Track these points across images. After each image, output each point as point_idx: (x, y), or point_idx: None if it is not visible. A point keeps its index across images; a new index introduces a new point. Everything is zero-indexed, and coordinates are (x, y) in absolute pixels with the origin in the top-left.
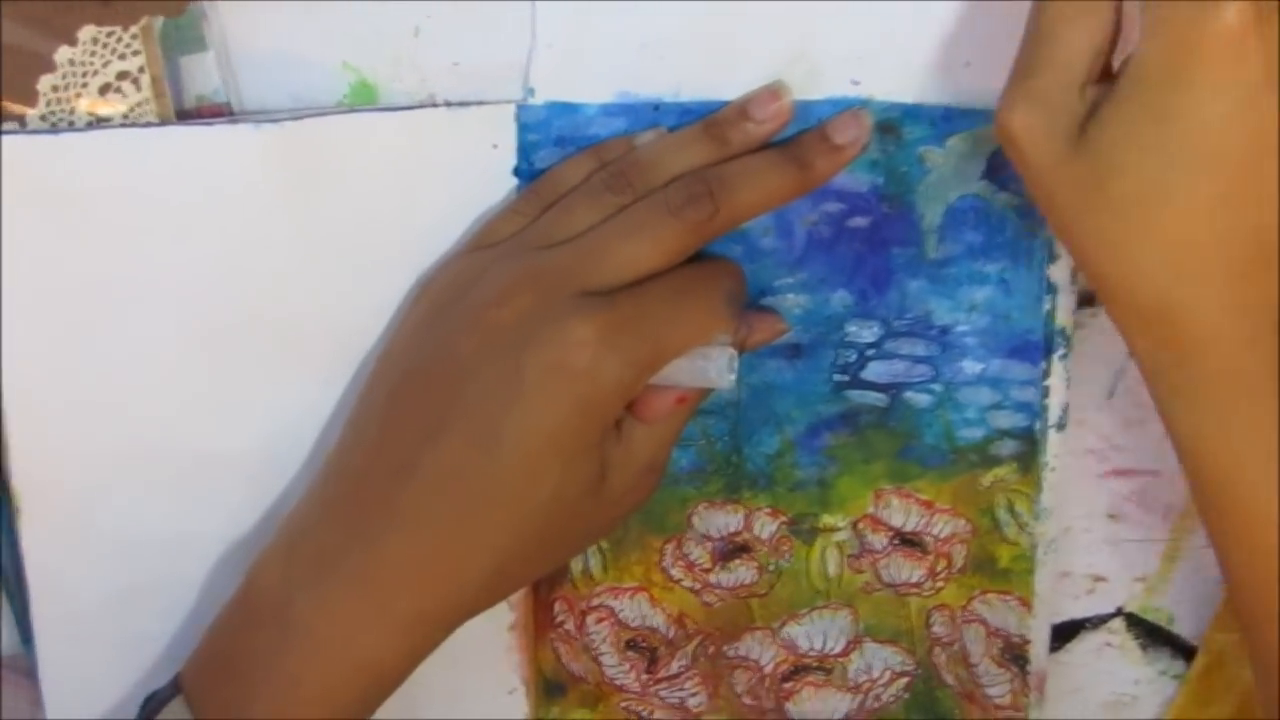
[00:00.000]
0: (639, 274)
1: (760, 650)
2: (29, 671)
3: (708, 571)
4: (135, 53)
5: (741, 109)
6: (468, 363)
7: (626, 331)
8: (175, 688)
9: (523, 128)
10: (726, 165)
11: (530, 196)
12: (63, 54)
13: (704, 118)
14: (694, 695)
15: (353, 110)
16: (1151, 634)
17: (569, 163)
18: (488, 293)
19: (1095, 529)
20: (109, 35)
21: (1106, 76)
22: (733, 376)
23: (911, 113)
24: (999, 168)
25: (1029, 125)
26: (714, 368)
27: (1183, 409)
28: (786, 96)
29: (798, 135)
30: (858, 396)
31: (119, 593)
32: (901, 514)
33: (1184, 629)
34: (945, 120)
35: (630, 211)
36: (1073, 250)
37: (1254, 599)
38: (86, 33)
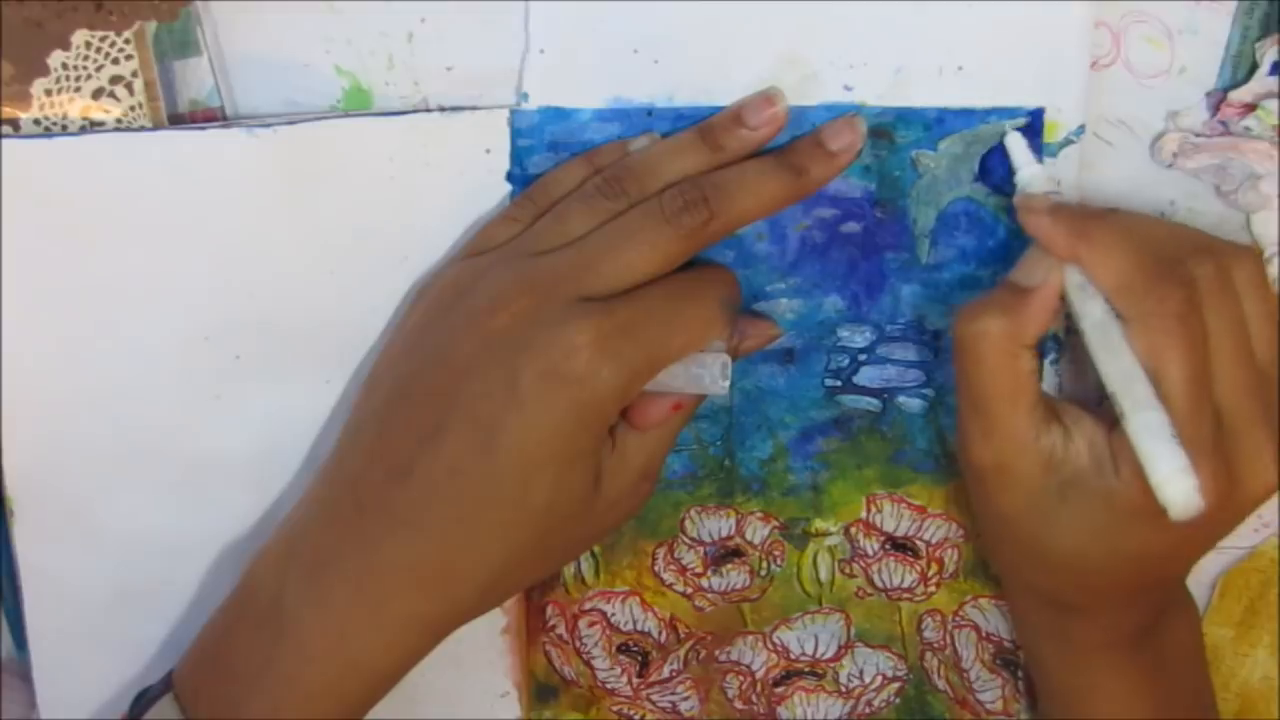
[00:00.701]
0: (634, 280)
1: (752, 655)
2: (25, 675)
3: (700, 576)
4: (129, 57)
5: (736, 115)
6: (464, 367)
7: (622, 338)
8: (167, 685)
9: (516, 132)
10: (722, 172)
11: (525, 202)
12: (56, 58)
13: (698, 123)
14: (685, 699)
15: (346, 115)
16: None
17: (563, 168)
18: (483, 298)
19: None
20: (102, 40)
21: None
22: (727, 383)
23: (904, 117)
24: (992, 171)
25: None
26: (708, 374)
27: (1055, 667)
28: (781, 102)
29: (793, 141)
30: (850, 401)
31: (115, 595)
32: (893, 519)
33: None
34: (938, 124)
35: (625, 218)
36: (1013, 545)
37: None
38: (80, 37)
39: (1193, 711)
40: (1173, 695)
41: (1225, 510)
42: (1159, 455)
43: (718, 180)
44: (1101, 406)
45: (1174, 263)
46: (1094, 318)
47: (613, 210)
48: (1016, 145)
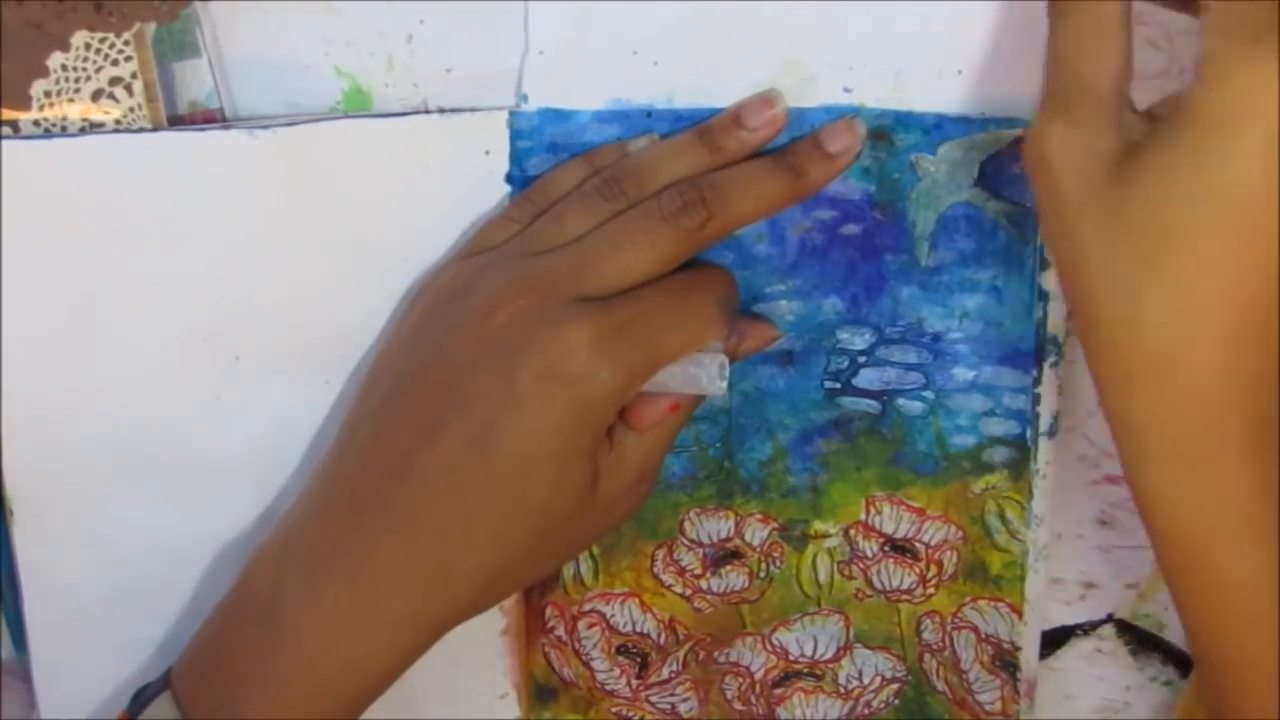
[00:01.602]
0: (632, 281)
1: (751, 656)
2: (25, 675)
3: (699, 577)
4: (128, 58)
5: (735, 116)
6: (462, 367)
7: (620, 338)
8: (165, 682)
9: (515, 134)
10: (720, 173)
11: (523, 203)
12: (56, 59)
13: (697, 124)
14: (685, 701)
15: (346, 116)
16: (1142, 640)
17: (562, 169)
18: (482, 298)
19: (1086, 536)
20: (102, 41)
21: (1138, 111)
22: (724, 384)
23: (904, 120)
24: (991, 175)
25: (1066, 150)
26: (706, 375)
27: (1155, 469)
28: (780, 104)
29: (791, 143)
30: (850, 403)
31: (114, 595)
32: (893, 521)
33: (1175, 635)
34: (937, 128)
35: (624, 218)
36: (1080, 288)
37: (1217, 664)
38: (79, 38)
39: None
40: None
41: None
42: None
43: (716, 181)
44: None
45: None
46: None
47: (611, 211)
48: None
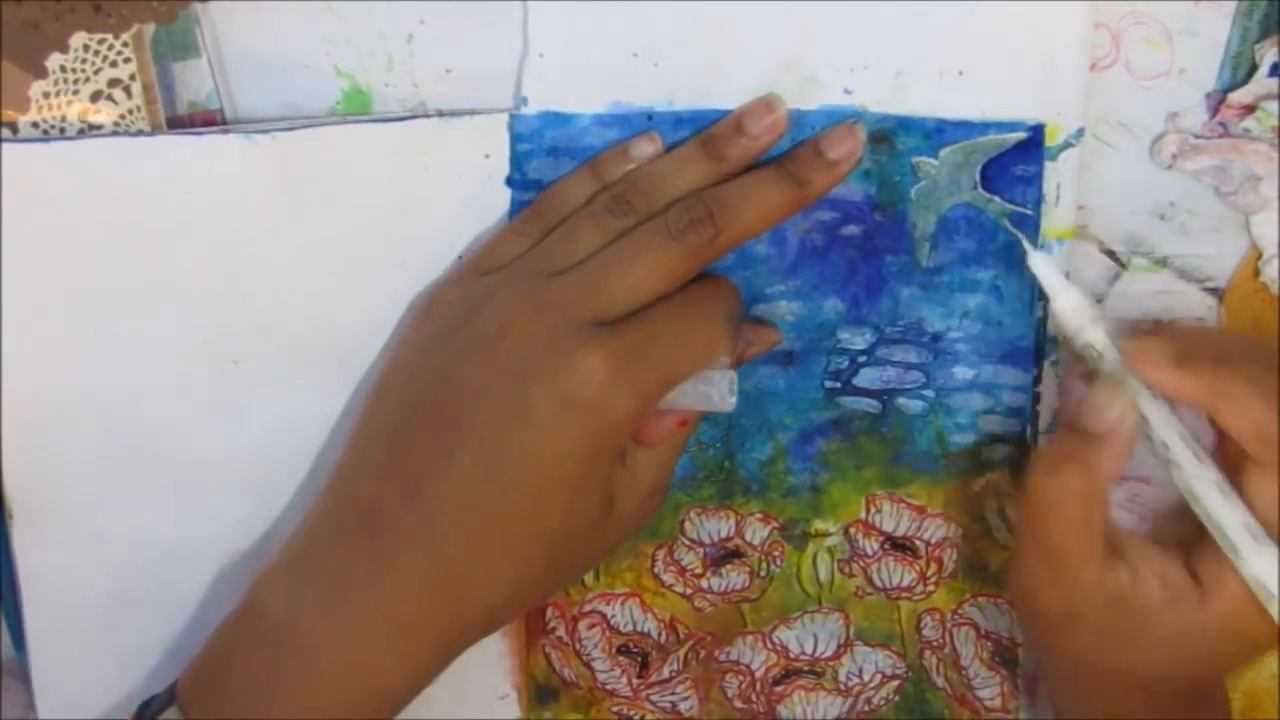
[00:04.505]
0: (642, 300)
1: (751, 654)
2: (24, 676)
3: (699, 577)
4: (127, 60)
5: (737, 124)
6: (475, 391)
7: (633, 361)
8: (170, 697)
9: (515, 137)
10: (724, 187)
11: (531, 217)
12: (54, 61)
13: (700, 133)
14: (685, 700)
15: (344, 120)
16: None
17: (567, 180)
18: (493, 320)
19: None
20: (100, 42)
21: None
22: (734, 399)
23: (905, 124)
24: (992, 178)
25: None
26: (716, 392)
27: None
28: (781, 109)
29: (793, 150)
30: (850, 403)
31: (113, 599)
32: (893, 519)
33: None
34: (938, 132)
35: (632, 237)
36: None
37: None
38: (78, 39)
39: None
40: None
41: None
42: None
43: (721, 196)
44: (1160, 525)
45: None
46: (1191, 460)
47: (620, 228)
48: (1044, 268)
